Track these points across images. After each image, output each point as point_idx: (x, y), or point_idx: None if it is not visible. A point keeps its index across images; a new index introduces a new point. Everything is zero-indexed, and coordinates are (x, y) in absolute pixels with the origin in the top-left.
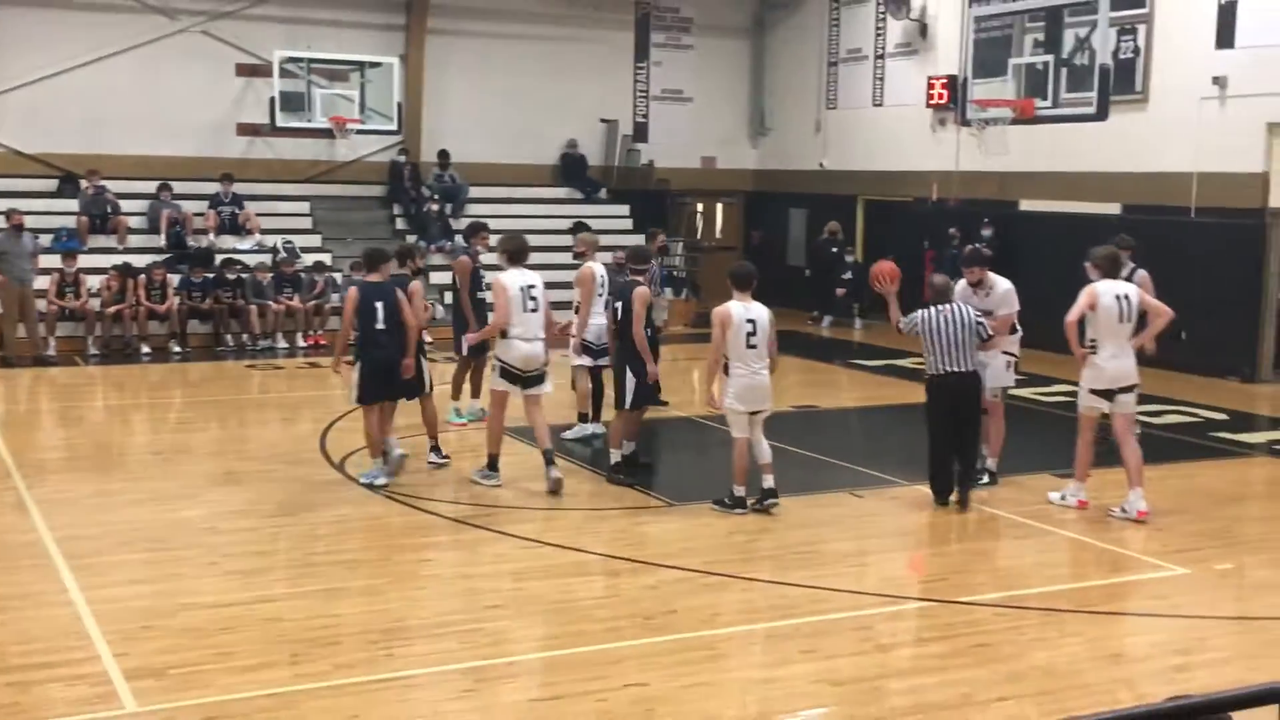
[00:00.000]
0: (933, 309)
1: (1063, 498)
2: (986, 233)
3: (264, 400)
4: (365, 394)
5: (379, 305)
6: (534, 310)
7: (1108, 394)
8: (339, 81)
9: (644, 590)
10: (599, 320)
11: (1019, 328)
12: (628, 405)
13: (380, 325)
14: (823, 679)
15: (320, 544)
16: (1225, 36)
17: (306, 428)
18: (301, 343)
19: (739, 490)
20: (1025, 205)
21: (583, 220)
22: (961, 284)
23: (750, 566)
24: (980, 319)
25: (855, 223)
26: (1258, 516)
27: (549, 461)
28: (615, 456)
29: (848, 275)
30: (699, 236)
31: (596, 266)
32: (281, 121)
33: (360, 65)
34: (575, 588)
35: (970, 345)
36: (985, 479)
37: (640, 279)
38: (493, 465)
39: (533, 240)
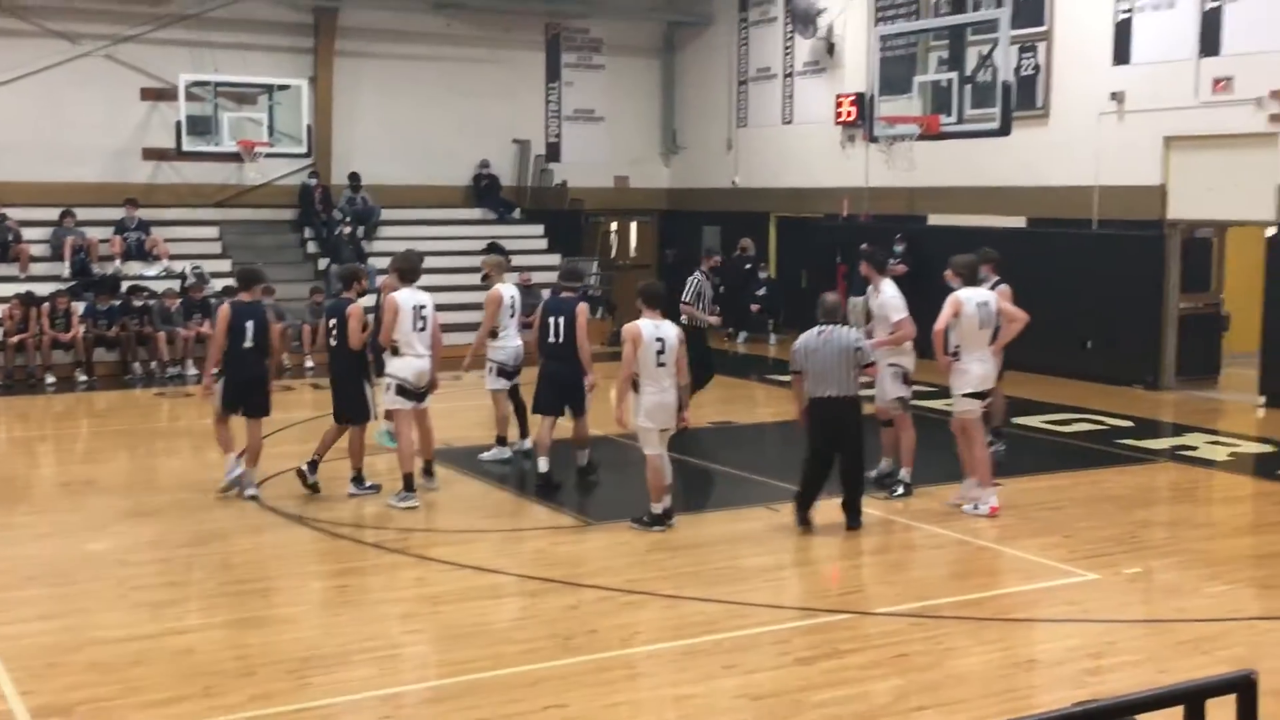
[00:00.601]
0: (814, 330)
1: (975, 507)
2: (899, 248)
3: (174, 429)
4: (223, 407)
5: (249, 324)
6: (423, 329)
7: (977, 395)
8: (246, 104)
9: (564, 611)
10: (515, 342)
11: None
12: (585, 412)
13: (248, 344)
14: (744, 694)
15: (234, 573)
16: (1121, 53)
17: (217, 455)
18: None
19: (657, 508)
20: (934, 220)
21: (496, 241)
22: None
23: (670, 583)
24: (860, 344)
25: (768, 239)
26: (1164, 521)
27: (428, 472)
28: (583, 459)
29: (761, 291)
30: (613, 255)
31: (505, 289)
32: (188, 145)
33: (268, 88)
34: (494, 610)
35: (847, 370)
36: (900, 490)
37: (574, 294)
38: (408, 486)
39: (447, 262)
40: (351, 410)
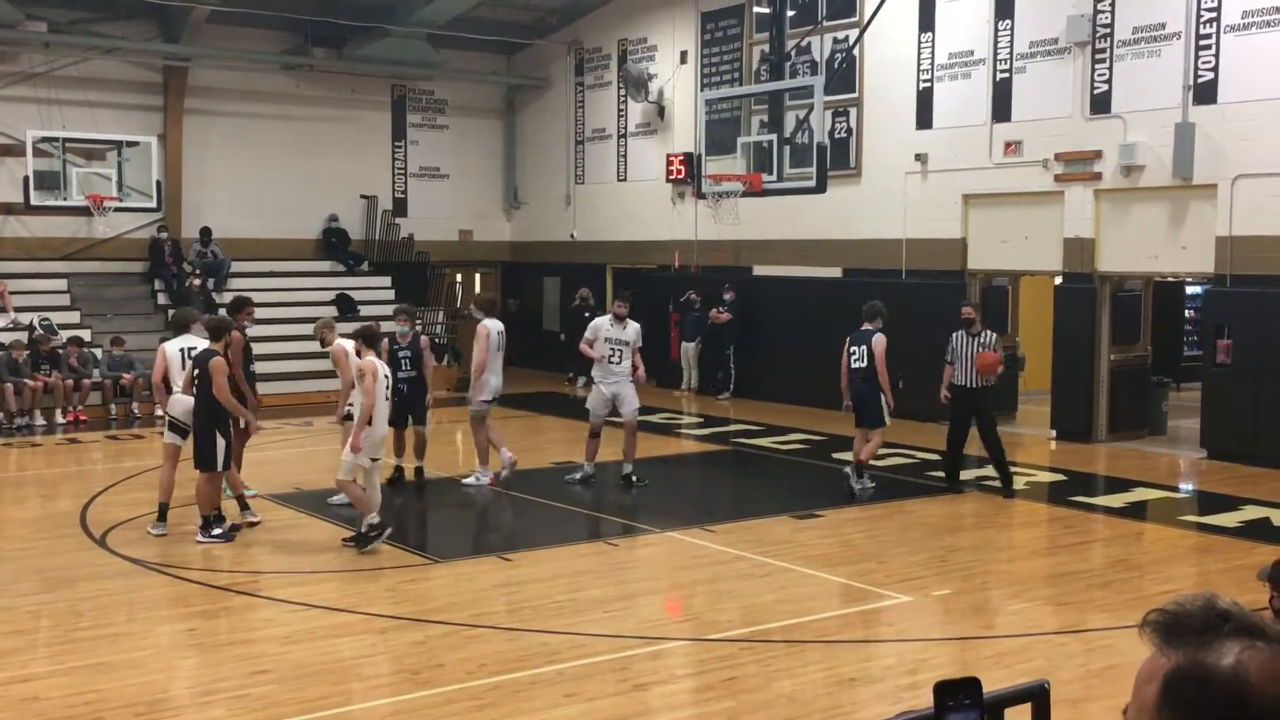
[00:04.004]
0: None
1: (476, 479)
2: (728, 296)
3: (21, 478)
4: None
5: None
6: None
7: (490, 401)
8: (96, 160)
9: (411, 646)
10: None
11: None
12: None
13: None
14: None
15: (83, 620)
16: (924, 118)
17: (66, 504)
18: (60, 419)
19: (375, 518)
20: (758, 270)
21: (346, 293)
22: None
23: (514, 617)
24: None
25: (605, 289)
26: (969, 546)
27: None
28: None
29: None
30: (459, 305)
31: (345, 343)
32: (36, 200)
33: (117, 144)
34: (343, 647)
35: None
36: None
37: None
38: (162, 515)
39: (297, 312)
40: (201, 458)
